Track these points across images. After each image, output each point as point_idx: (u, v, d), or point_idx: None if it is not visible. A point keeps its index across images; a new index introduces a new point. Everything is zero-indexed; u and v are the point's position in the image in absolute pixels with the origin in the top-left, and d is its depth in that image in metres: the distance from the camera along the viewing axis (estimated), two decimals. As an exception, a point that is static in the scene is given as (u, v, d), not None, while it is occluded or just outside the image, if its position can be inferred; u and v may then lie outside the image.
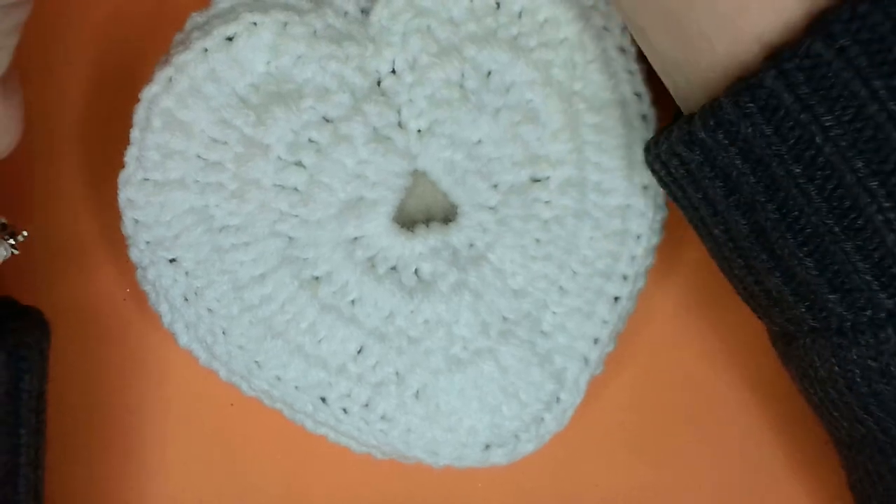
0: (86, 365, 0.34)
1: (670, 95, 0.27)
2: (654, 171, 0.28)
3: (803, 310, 0.25)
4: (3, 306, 0.30)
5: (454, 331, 0.30)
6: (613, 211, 0.30)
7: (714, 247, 0.27)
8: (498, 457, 0.31)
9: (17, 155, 0.29)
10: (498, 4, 0.29)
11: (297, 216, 0.29)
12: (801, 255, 0.24)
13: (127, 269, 0.32)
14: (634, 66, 0.30)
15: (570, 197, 0.30)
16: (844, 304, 0.24)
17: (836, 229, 0.23)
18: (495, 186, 0.30)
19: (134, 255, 0.30)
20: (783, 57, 0.22)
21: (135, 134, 0.29)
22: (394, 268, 0.30)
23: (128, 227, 0.30)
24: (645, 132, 0.30)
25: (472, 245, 0.30)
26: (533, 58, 0.29)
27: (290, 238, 0.30)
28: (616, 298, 0.31)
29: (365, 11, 0.30)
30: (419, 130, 0.30)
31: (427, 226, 0.30)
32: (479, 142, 0.30)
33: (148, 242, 0.30)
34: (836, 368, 0.25)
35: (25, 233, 0.30)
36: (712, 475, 0.35)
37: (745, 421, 0.35)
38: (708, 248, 0.28)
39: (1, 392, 0.28)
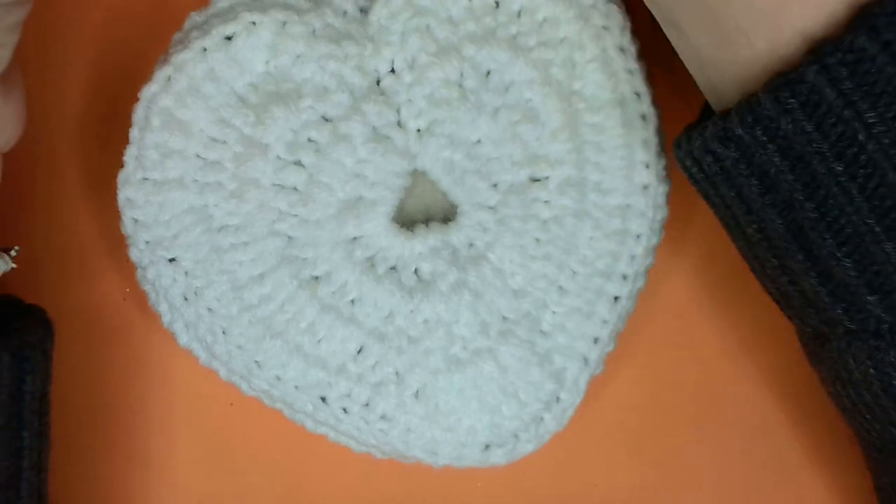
0: (88, 365, 0.34)
1: (670, 95, 0.27)
2: (684, 168, 0.27)
3: (840, 311, 0.25)
4: (7, 305, 0.30)
5: (454, 330, 0.30)
6: (613, 211, 0.30)
7: (746, 246, 0.27)
8: (497, 457, 0.31)
9: (17, 155, 0.29)
10: (497, 4, 0.29)
11: (296, 216, 0.29)
12: (839, 255, 0.24)
13: (128, 269, 0.32)
14: (634, 66, 0.30)
15: (569, 197, 0.30)
16: (883, 305, 0.24)
17: (878, 229, 0.23)
18: (495, 186, 0.30)
19: (133, 254, 0.30)
20: (825, 51, 0.21)
21: (134, 133, 0.29)
22: (393, 267, 0.30)
23: (127, 226, 0.30)
24: (644, 131, 0.30)
25: (471, 245, 0.30)
26: (532, 57, 0.29)
27: (290, 238, 0.30)
28: (616, 298, 0.31)
29: (364, 11, 0.30)
30: (418, 130, 0.30)
31: (426, 225, 0.30)
32: (479, 141, 0.30)
33: (147, 242, 0.30)
34: (872, 371, 0.25)
35: (17, 247, 0.30)
36: (712, 475, 0.35)
37: (746, 421, 0.35)
38: (738, 248, 0.28)
39: (4, 394, 0.27)
